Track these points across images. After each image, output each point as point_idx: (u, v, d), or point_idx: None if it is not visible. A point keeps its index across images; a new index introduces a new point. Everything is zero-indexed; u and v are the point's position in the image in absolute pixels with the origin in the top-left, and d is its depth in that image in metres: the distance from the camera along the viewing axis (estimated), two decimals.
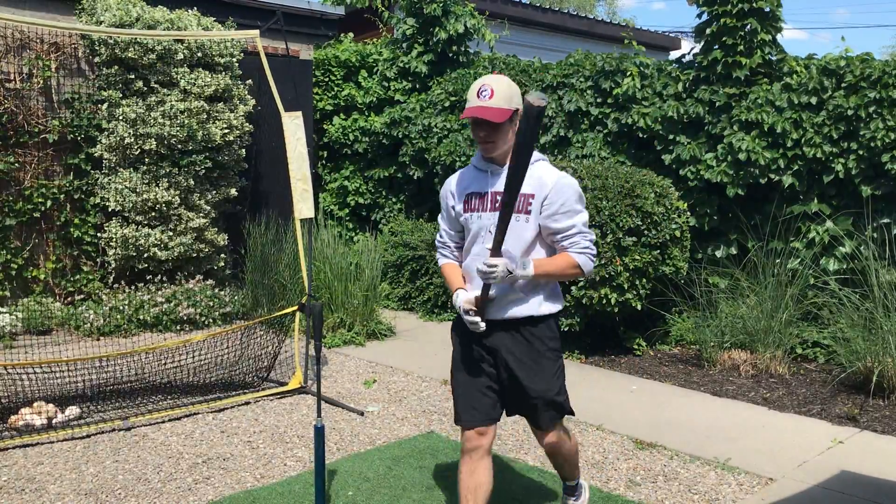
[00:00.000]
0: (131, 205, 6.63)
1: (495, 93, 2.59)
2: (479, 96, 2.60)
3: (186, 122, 6.70)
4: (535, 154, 2.71)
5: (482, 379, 2.74)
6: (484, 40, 8.53)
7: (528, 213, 2.65)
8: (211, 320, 6.72)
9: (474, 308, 2.65)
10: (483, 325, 2.62)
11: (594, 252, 2.71)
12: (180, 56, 6.80)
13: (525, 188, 2.59)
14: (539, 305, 2.69)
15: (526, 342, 2.71)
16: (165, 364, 4.91)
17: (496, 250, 2.54)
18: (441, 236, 2.91)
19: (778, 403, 4.76)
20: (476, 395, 2.73)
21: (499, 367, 2.74)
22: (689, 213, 5.97)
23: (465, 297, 2.70)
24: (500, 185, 2.67)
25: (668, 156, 6.27)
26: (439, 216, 2.95)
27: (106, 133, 6.67)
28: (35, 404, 4.27)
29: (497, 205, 2.66)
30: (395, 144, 8.47)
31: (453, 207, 2.81)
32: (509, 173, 2.45)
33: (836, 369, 5.22)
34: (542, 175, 2.67)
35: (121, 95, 6.65)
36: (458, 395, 2.79)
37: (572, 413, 2.87)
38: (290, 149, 4.90)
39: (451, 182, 2.85)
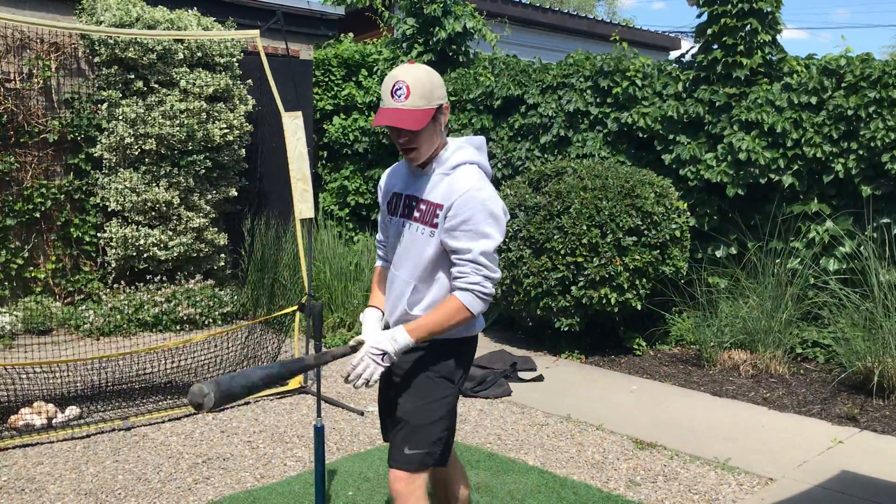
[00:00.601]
0: (131, 205, 6.62)
1: (411, 91, 2.17)
2: (393, 96, 2.20)
3: (186, 122, 6.69)
4: (464, 155, 2.31)
5: (380, 397, 2.55)
6: (485, 40, 8.53)
7: (434, 226, 2.26)
8: (211, 320, 6.72)
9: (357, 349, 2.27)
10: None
11: (486, 290, 2.20)
12: (180, 56, 6.79)
13: (436, 197, 2.27)
14: (458, 331, 2.31)
15: (415, 362, 2.34)
16: (165, 364, 4.91)
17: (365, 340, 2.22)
18: (378, 233, 2.63)
19: (778, 403, 4.76)
20: (384, 416, 2.54)
21: (389, 383, 2.47)
22: (689, 213, 5.97)
23: (367, 329, 2.36)
24: (417, 189, 2.33)
25: (668, 156, 6.27)
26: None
27: (106, 133, 6.67)
28: (35, 404, 4.27)
29: (407, 210, 2.35)
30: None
31: (383, 199, 2.51)
32: None
33: (836, 369, 5.22)
34: (456, 182, 2.25)
35: (121, 95, 6.65)
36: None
37: (441, 464, 2.33)
38: (290, 149, 4.90)
39: (385, 175, 2.54)
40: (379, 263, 2.62)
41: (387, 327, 2.41)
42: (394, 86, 2.19)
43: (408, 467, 2.26)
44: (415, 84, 2.18)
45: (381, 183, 2.54)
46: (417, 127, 2.18)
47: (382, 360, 2.18)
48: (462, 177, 2.26)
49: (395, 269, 2.38)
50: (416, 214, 2.31)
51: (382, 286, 2.54)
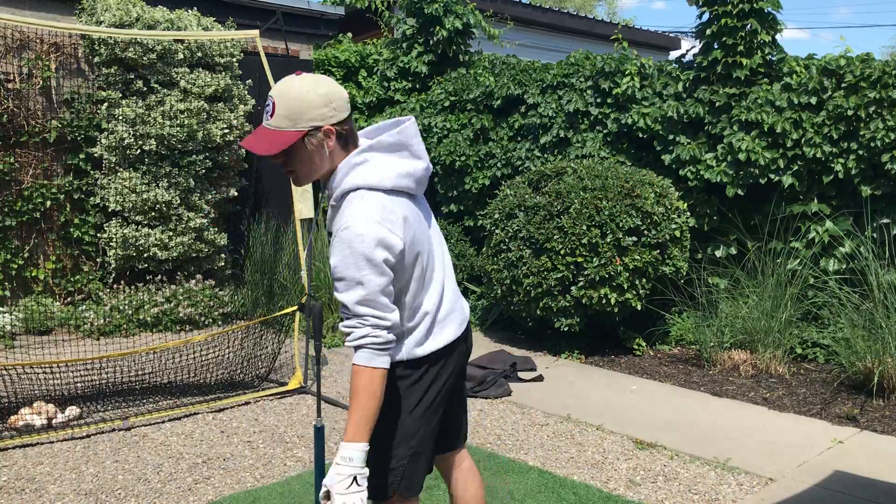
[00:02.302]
0: (131, 205, 6.63)
1: (276, 109, 1.92)
2: (264, 112, 1.97)
3: (186, 122, 6.70)
4: (352, 178, 1.97)
5: None
6: (485, 34, 8.52)
7: None
8: (211, 320, 6.72)
9: None
10: None
11: (379, 339, 1.92)
12: (180, 56, 6.80)
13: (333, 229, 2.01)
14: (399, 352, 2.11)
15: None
16: (165, 364, 4.91)
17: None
18: None
19: (778, 403, 4.76)
20: None
21: None
22: (688, 213, 5.97)
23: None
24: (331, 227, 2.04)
25: (668, 156, 6.27)
26: None
27: (106, 133, 6.67)
28: (35, 404, 4.27)
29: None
30: None
31: None
32: None
33: (836, 369, 5.22)
34: (338, 220, 1.97)
35: (120, 95, 6.66)
36: None
37: (407, 490, 2.18)
38: None
39: None
40: None
41: None
42: (268, 99, 1.96)
43: (373, 497, 2.14)
44: (280, 101, 1.92)
45: None
46: (266, 152, 1.92)
47: (357, 483, 1.90)
48: (343, 213, 1.95)
49: None
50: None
51: None
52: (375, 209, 1.93)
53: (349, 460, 1.90)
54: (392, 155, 2.03)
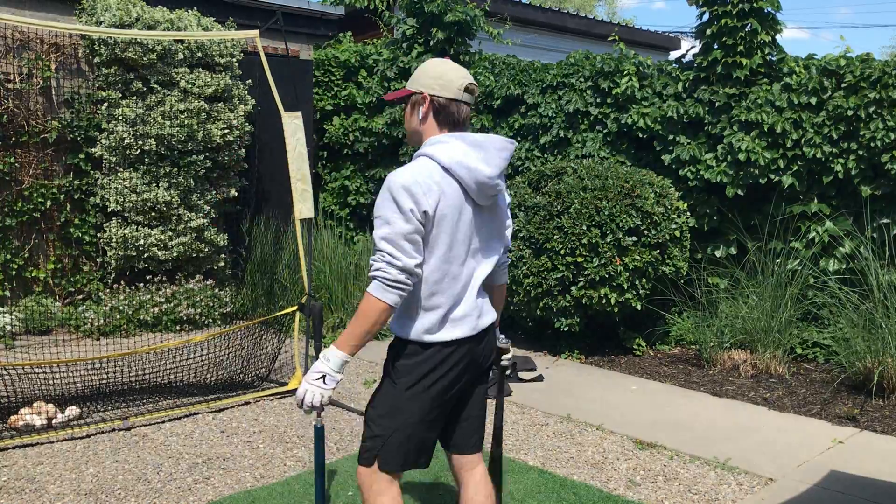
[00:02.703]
0: (131, 205, 6.63)
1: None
2: None
3: (186, 122, 6.69)
4: (426, 148, 2.30)
5: None
6: (484, 31, 8.50)
7: None
8: (211, 320, 6.72)
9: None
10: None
11: (388, 276, 2.14)
12: (180, 56, 6.79)
13: None
14: (398, 329, 2.32)
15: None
16: (165, 364, 4.91)
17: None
18: None
19: (778, 403, 4.76)
20: None
21: None
22: (688, 214, 5.97)
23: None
24: None
25: (668, 156, 6.27)
26: None
27: (106, 133, 6.67)
28: (35, 404, 4.27)
29: None
30: (395, 144, 8.47)
31: None
32: None
33: (836, 369, 5.22)
34: None
35: (120, 95, 6.65)
36: None
37: (385, 464, 2.30)
38: (289, 149, 4.90)
39: None
40: None
41: None
42: None
43: (360, 460, 2.36)
44: (416, 69, 2.37)
45: None
46: (387, 98, 2.40)
47: (325, 382, 2.19)
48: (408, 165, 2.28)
49: None
50: None
51: None
52: (419, 170, 2.21)
53: (326, 360, 2.20)
54: (468, 147, 2.27)
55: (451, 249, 2.26)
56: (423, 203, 2.16)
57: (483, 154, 2.27)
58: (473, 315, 2.34)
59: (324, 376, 2.19)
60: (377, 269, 2.15)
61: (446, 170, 2.23)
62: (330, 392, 2.21)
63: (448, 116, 2.30)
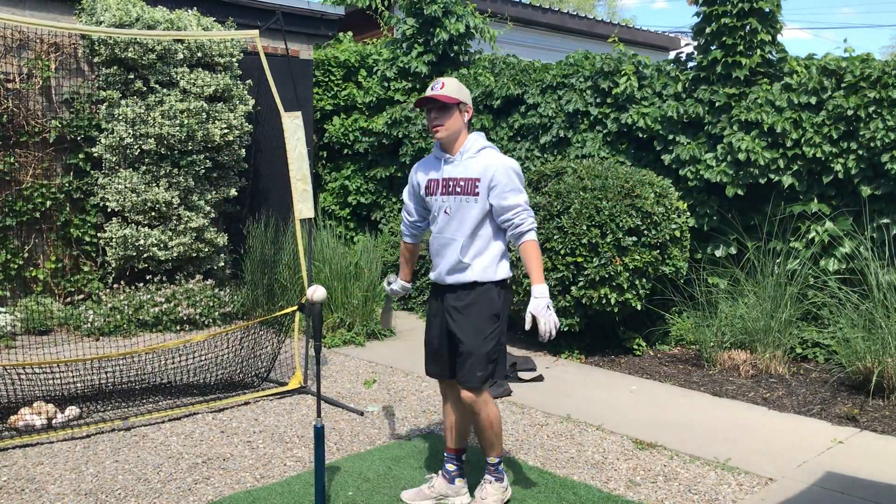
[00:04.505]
0: (131, 205, 6.63)
1: (446, 85, 3.10)
2: (432, 89, 3.11)
3: (186, 122, 6.69)
4: (482, 142, 3.16)
5: (437, 338, 3.25)
6: (484, 38, 8.52)
7: (476, 194, 3.08)
8: (211, 320, 6.72)
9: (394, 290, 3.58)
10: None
11: (534, 224, 3.13)
12: (180, 56, 6.79)
13: (472, 173, 3.09)
14: (481, 273, 3.09)
15: (466, 304, 3.11)
16: (165, 364, 4.91)
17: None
18: (405, 213, 3.42)
19: (778, 403, 4.76)
20: (433, 353, 3.28)
21: (446, 326, 3.19)
22: (688, 213, 5.97)
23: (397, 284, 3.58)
24: (449, 171, 3.15)
25: (668, 156, 6.27)
26: (405, 193, 3.40)
27: (106, 133, 6.67)
28: (35, 404, 4.27)
29: (447, 188, 3.13)
30: (395, 144, 8.47)
31: (418, 186, 3.30)
32: None
33: (836, 369, 5.22)
34: (486, 160, 3.10)
35: (120, 95, 6.65)
36: (425, 352, 3.33)
37: (500, 377, 3.20)
38: (290, 149, 4.90)
39: (418, 166, 3.33)
40: (407, 240, 3.48)
41: (430, 282, 3.30)
42: (433, 84, 3.13)
43: (479, 384, 3.08)
44: (449, 82, 3.12)
45: (414, 174, 3.31)
46: (445, 101, 3.06)
47: (546, 309, 2.97)
48: (490, 155, 3.12)
49: (442, 233, 3.15)
50: (458, 189, 3.10)
51: (410, 261, 3.53)
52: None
53: (543, 293, 2.99)
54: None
55: None
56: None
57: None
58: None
59: (547, 305, 2.96)
60: (532, 222, 3.08)
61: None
62: (554, 315, 3.00)
63: (470, 125, 3.41)
